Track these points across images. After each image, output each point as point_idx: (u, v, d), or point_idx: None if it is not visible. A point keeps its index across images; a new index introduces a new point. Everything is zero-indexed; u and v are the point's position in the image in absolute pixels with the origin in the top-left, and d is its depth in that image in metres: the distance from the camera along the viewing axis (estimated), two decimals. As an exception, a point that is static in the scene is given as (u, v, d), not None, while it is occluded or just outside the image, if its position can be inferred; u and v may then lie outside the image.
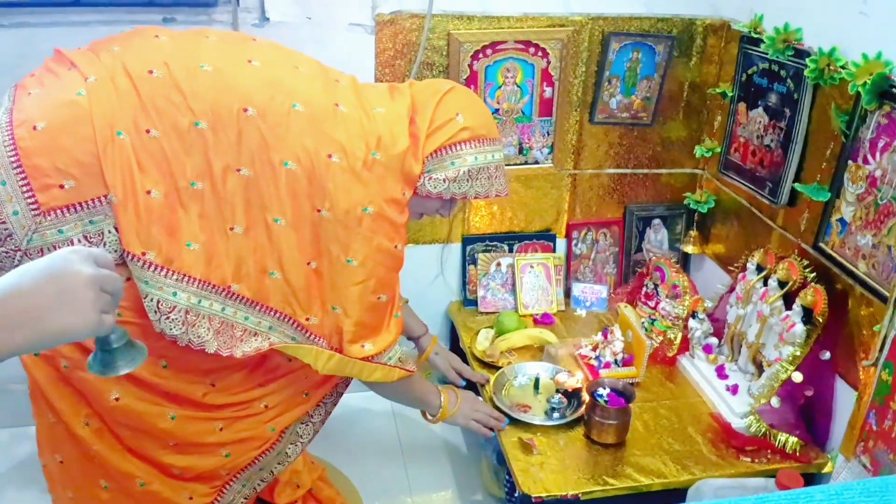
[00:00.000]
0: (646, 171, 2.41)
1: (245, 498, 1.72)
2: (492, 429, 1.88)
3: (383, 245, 1.50)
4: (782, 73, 1.92)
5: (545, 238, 2.42)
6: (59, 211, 1.29)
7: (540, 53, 2.15)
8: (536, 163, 2.31)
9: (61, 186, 1.28)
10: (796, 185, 1.89)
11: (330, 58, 1.63)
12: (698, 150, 2.31)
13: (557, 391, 1.98)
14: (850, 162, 1.72)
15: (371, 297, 1.53)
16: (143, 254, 1.33)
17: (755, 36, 2.00)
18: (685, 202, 2.42)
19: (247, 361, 1.55)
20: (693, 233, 2.41)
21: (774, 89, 1.96)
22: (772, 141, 1.99)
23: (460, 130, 1.55)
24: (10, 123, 1.28)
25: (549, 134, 2.28)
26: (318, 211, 1.44)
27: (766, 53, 1.93)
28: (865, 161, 1.67)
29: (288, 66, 1.48)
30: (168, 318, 1.37)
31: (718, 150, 2.26)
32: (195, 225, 1.38)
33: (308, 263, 1.48)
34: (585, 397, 1.89)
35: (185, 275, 1.38)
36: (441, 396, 1.87)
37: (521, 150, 2.28)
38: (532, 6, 2.10)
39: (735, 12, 2.15)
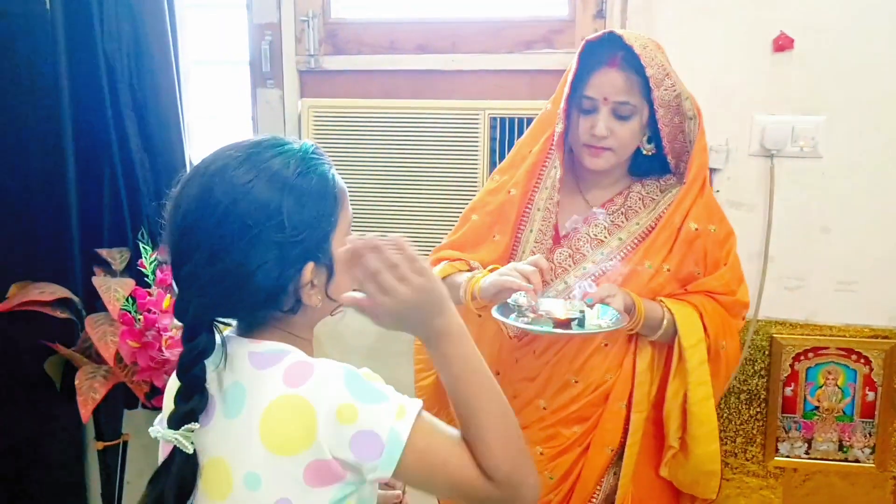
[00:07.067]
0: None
1: None
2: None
3: None
4: None
5: (866, 538, 2.40)
6: None
7: (862, 361, 2.31)
8: (857, 461, 2.37)
9: None
10: None
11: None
12: None
13: None
14: None
15: None
16: None
17: None
18: None
19: None
20: None
21: None
22: None
23: None
24: None
25: (870, 435, 2.35)
26: None
27: None
28: None
29: None
30: None
31: None
32: None
33: None
34: None
35: None
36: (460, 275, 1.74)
37: (840, 447, 2.37)
38: (855, 318, 2.31)
39: None
